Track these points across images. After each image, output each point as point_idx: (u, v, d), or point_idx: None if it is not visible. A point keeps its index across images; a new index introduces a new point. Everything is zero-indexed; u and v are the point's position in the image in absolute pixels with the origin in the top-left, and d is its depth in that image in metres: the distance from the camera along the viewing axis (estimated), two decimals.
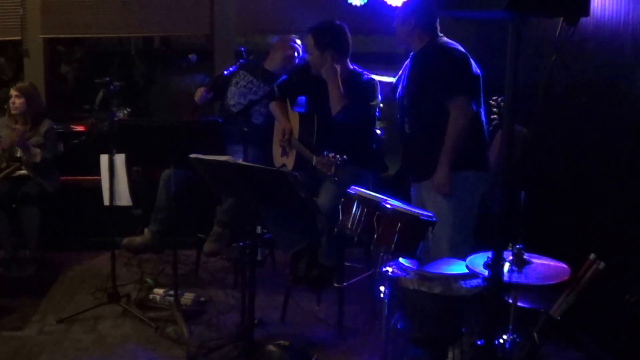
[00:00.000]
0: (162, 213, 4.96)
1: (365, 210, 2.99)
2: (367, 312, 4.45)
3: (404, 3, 3.99)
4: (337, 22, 4.38)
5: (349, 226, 3.05)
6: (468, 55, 3.77)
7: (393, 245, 2.86)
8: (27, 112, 5.23)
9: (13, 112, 5.22)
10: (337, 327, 4.21)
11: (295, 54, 5.14)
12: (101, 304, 4.47)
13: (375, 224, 2.93)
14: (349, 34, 4.38)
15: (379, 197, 3.08)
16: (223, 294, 4.82)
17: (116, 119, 4.48)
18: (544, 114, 4.46)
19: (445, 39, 3.85)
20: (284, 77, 4.98)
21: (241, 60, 5.15)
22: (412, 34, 3.82)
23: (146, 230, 5.06)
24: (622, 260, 3.48)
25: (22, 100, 5.19)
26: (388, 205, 2.94)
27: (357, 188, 3.18)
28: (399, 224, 2.85)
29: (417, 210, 3.05)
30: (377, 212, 2.93)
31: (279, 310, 4.42)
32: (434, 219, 2.98)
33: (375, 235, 2.93)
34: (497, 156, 4.12)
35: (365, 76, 4.34)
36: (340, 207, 3.16)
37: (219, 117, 5.00)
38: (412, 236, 2.88)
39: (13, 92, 5.22)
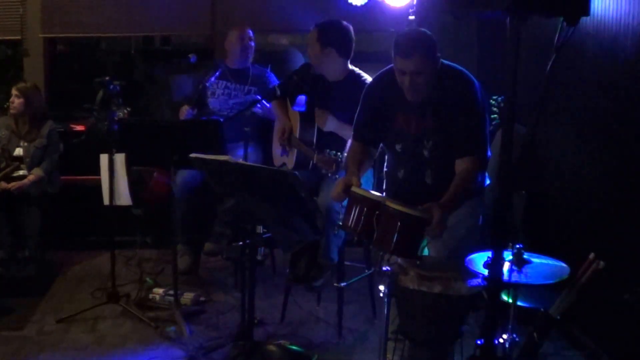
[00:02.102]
0: (189, 233, 4.98)
1: (365, 209, 2.93)
2: (367, 312, 4.45)
3: (423, 36, 3.16)
4: (344, 23, 4.37)
5: (350, 225, 3.00)
6: None
7: (392, 245, 2.81)
8: (26, 113, 5.22)
9: (11, 111, 5.21)
10: (337, 327, 4.21)
11: (252, 43, 5.22)
12: (101, 304, 4.47)
13: (374, 223, 2.89)
14: (353, 36, 4.35)
15: (378, 196, 3.04)
16: (223, 293, 4.82)
17: (116, 118, 4.48)
18: (543, 113, 4.47)
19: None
20: (276, 80, 4.95)
21: (219, 69, 5.14)
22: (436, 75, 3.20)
23: (184, 257, 5.03)
24: (622, 260, 3.48)
25: (21, 100, 5.19)
26: (388, 204, 2.88)
27: (356, 187, 3.13)
28: (399, 224, 2.79)
29: (417, 210, 2.99)
30: (377, 212, 2.89)
31: (279, 310, 4.42)
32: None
33: (374, 235, 2.89)
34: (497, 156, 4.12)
35: (364, 77, 4.32)
36: (339, 206, 3.11)
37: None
38: (412, 236, 2.83)
39: (13, 91, 5.22)
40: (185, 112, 5.08)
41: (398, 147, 3.36)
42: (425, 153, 3.27)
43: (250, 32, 5.25)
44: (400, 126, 3.32)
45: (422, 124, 3.26)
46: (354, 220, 2.98)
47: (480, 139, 3.20)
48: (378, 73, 3.48)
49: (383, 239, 2.86)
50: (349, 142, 3.78)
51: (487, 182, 3.57)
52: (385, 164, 3.59)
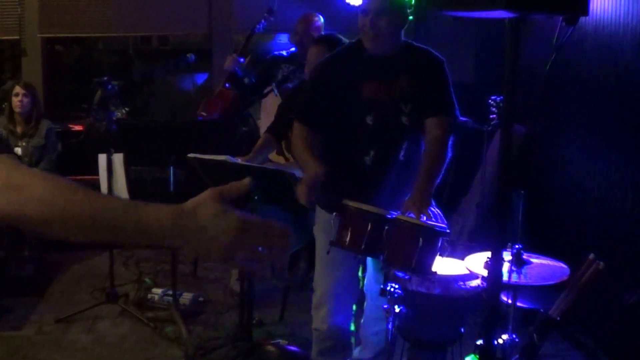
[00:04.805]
0: None
1: (369, 224, 2.69)
2: None
3: None
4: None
5: (347, 242, 2.74)
6: None
7: (414, 262, 2.62)
8: (32, 112, 5.20)
9: (18, 110, 5.15)
10: None
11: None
12: (99, 304, 4.46)
13: (385, 239, 2.67)
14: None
15: (379, 210, 2.81)
16: (222, 293, 4.81)
17: (114, 118, 4.47)
18: (543, 113, 4.47)
19: None
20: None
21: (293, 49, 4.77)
22: (400, 31, 3.07)
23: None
24: (622, 260, 3.47)
25: (29, 99, 5.16)
26: (402, 219, 2.71)
27: (350, 200, 2.81)
28: (421, 240, 2.60)
29: (430, 221, 2.81)
30: (386, 227, 2.68)
31: (278, 310, 4.41)
32: (448, 230, 2.81)
33: (385, 252, 2.68)
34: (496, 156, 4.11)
35: None
36: (332, 221, 2.79)
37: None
38: (432, 251, 2.66)
39: (20, 90, 5.16)
40: (232, 60, 4.73)
41: (369, 119, 3.03)
42: (404, 120, 3.04)
43: (318, 20, 4.77)
44: (370, 94, 3.03)
45: (397, 86, 3.03)
46: (353, 237, 2.73)
47: (451, 100, 3.11)
48: (330, 54, 3.28)
49: (399, 256, 2.66)
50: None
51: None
52: (332, 153, 3.14)
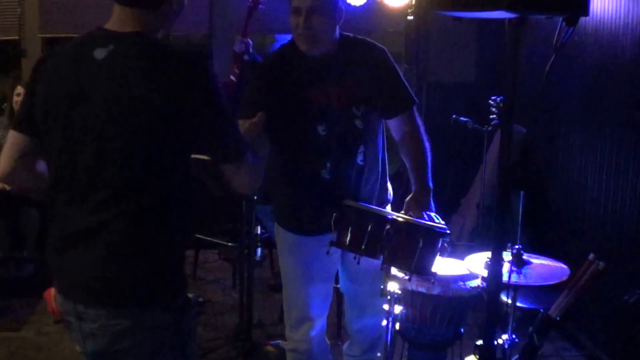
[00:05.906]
0: None
1: (370, 225, 2.63)
2: None
3: None
4: None
5: (347, 243, 2.67)
6: None
7: (413, 264, 2.58)
8: None
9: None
10: (336, 327, 4.20)
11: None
12: None
13: (385, 239, 2.61)
14: None
15: (381, 210, 2.79)
16: (221, 294, 4.81)
17: None
18: (543, 113, 4.47)
19: None
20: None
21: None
22: (336, 27, 2.82)
23: None
24: (622, 260, 3.47)
25: None
26: (400, 219, 2.65)
27: (350, 200, 2.75)
28: (421, 240, 2.57)
29: (429, 222, 2.78)
30: (387, 227, 2.61)
31: (278, 311, 4.41)
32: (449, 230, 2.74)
33: (385, 253, 2.61)
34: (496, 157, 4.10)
35: None
36: (332, 222, 2.69)
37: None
38: (432, 252, 2.61)
39: (22, 89, 5.14)
40: (240, 42, 4.73)
41: (321, 128, 2.81)
42: (358, 123, 2.83)
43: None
44: (319, 102, 2.80)
45: (345, 89, 2.81)
46: (353, 237, 2.66)
47: (407, 88, 2.94)
48: (273, 50, 3.07)
49: (399, 257, 2.62)
50: None
51: None
52: (286, 171, 2.96)
